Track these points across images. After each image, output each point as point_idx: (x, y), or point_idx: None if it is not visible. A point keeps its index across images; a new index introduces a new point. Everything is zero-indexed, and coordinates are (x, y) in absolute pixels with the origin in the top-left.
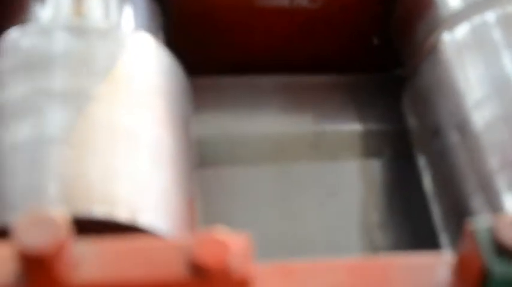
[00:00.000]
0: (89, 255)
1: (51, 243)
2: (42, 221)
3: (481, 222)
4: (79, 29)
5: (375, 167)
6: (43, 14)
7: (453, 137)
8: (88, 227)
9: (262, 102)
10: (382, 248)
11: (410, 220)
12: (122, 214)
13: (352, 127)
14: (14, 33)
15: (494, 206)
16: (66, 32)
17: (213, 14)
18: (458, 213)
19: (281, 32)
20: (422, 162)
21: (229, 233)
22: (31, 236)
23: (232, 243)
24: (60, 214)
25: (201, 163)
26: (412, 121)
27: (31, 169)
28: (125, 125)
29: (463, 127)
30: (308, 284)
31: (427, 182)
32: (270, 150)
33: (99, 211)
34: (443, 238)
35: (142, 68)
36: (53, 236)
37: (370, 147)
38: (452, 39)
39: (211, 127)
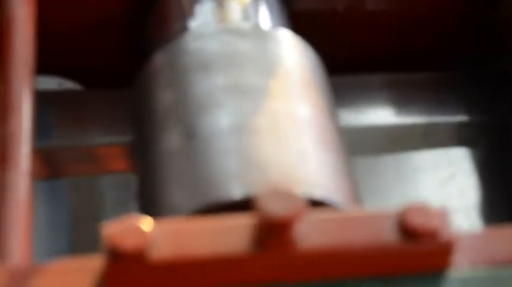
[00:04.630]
0: (317, 224)
1: (291, 212)
2: (282, 194)
3: None
4: (240, 32)
5: (482, 154)
6: (194, 23)
7: None
8: None
9: (373, 98)
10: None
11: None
12: (316, 193)
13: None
14: (185, 39)
15: None
16: (230, 34)
17: (328, 18)
18: None
19: (387, 33)
20: None
21: (428, 204)
22: (273, 206)
23: (436, 212)
24: (294, 190)
25: None
26: None
27: (234, 154)
28: (300, 115)
29: None
30: None
31: None
32: (386, 140)
33: (300, 191)
34: None
35: (298, 63)
36: (292, 207)
37: (475, 137)
38: None
39: None
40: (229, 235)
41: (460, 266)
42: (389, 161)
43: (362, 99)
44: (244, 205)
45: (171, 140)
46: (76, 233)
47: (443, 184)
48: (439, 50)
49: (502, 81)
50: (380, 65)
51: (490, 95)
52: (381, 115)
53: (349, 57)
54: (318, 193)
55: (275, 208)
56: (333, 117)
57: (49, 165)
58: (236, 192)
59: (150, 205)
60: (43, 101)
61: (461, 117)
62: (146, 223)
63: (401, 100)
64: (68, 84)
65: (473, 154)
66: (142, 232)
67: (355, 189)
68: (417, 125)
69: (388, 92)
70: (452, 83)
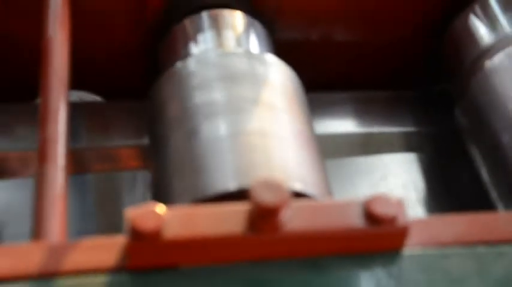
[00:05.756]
0: (299, 211)
1: (279, 200)
2: (271, 185)
3: None
4: (235, 55)
5: (427, 158)
6: (196, 48)
7: (505, 137)
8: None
9: (339, 111)
10: None
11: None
12: (297, 186)
13: (408, 129)
14: (190, 60)
15: None
16: (227, 57)
17: (304, 47)
18: None
19: (352, 59)
20: (475, 152)
21: (388, 195)
22: (264, 195)
23: (395, 202)
24: (283, 181)
25: None
26: (464, 122)
27: (230, 154)
28: (284, 122)
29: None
30: None
31: (483, 172)
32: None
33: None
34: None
35: (282, 81)
36: (280, 196)
37: (422, 144)
38: (493, 64)
39: None
40: (228, 219)
41: (412, 246)
42: (340, 164)
43: (330, 112)
44: (237, 196)
45: (178, 142)
46: (98, 219)
47: (378, 182)
48: (394, 73)
49: (445, 100)
50: (346, 84)
51: (435, 110)
52: (343, 125)
53: (320, 77)
54: (298, 186)
55: (266, 197)
56: (310, 125)
57: (77, 163)
58: (231, 185)
59: (161, 194)
60: (73, 110)
61: (410, 128)
62: (161, 209)
63: (361, 113)
64: (90, 97)
65: (420, 158)
66: (158, 216)
67: (328, 183)
68: (373, 133)
69: (351, 106)
70: (405, 100)
